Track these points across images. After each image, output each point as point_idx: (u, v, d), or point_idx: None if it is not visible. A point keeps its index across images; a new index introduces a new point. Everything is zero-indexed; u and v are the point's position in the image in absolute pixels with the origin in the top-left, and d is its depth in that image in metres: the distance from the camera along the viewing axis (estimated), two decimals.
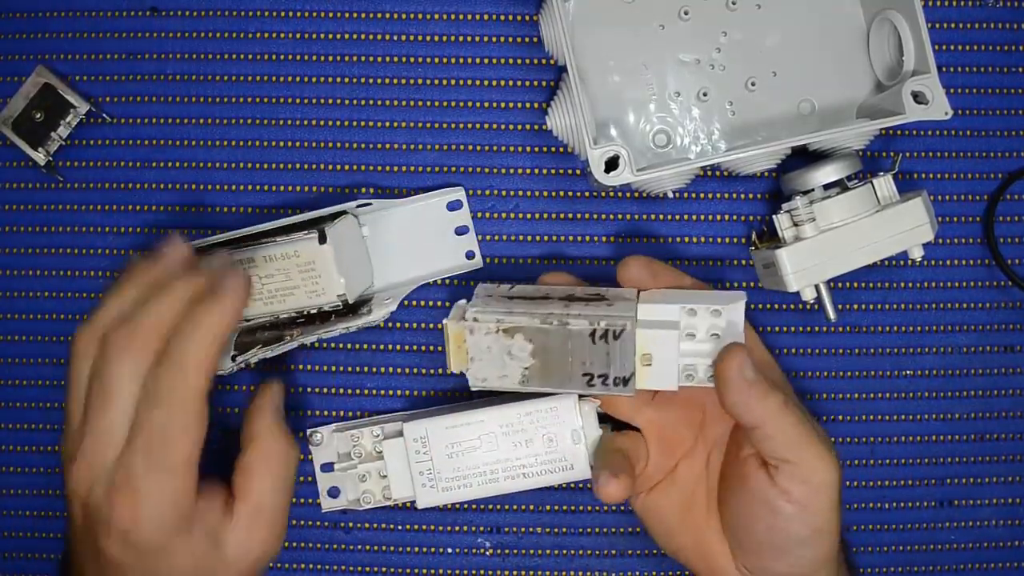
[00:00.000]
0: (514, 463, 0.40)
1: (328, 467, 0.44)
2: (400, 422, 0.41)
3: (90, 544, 0.35)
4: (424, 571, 0.45)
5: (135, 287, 0.36)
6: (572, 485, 0.44)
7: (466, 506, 0.44)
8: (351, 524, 0.45)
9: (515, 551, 0.45)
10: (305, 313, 0.42)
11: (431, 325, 0.45)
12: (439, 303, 0.45)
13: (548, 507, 0.45)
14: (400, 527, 0.45)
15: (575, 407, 0.40)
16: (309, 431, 0.44)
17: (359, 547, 0.45)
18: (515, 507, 0.45)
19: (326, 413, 0.45)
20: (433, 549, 0.45)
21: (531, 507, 0.45)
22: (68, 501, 0.36)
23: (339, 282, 0.40)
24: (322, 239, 0.40)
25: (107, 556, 0.35)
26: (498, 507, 0.45)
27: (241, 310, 0.35)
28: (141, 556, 0.34)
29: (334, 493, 0.44)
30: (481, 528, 0.45)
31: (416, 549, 0.45)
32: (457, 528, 0.45)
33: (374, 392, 0.45)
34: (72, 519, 0.36)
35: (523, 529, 0.45)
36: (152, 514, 0.34)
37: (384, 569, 0.45)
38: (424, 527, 0.45)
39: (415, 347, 0.45)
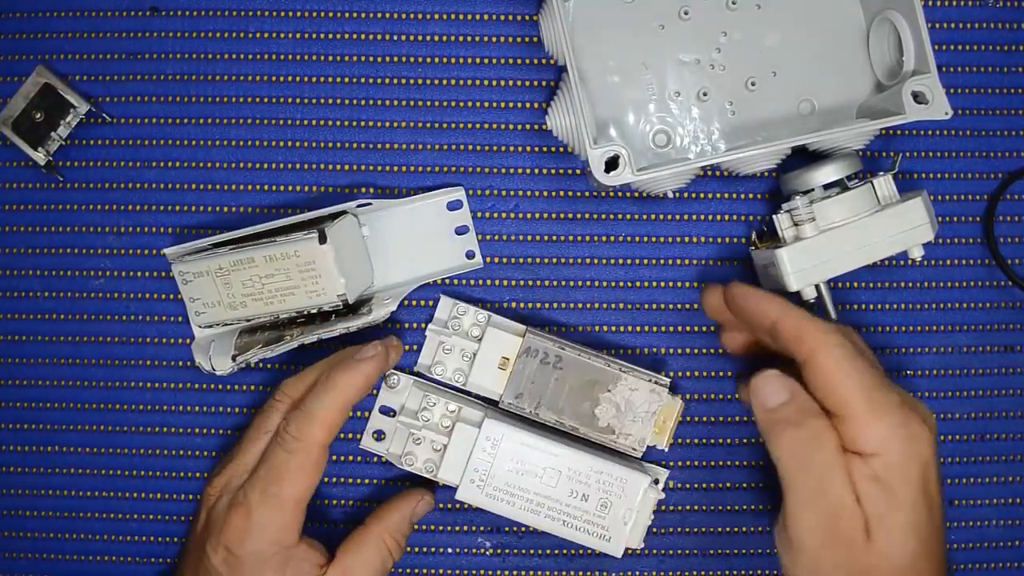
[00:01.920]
0: (562, 508, 0.41)
1: (386, 410, 0.44)
2: (482, 413, 0.42)
3: (199, 550, 0.39)
4: (424, 571, 0.45)
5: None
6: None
7: (466, 506, 0.44)
8: (351, 524, 0.45)
9: (515, 551, 0.45)
10: (305, 313, 0.42)
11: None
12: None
13: None
14: None
15: (643, 490, 0.41)
16: (388, 373, 0.44)
17: None
18: None
19: None
20: (433, 549, 0.45)
21: None
22: (197, 507, 0.41)
23: (339, 282, 0.40)
24: (322, 239, 0.40)
25: (208, 565, 0.38)
26: None
27: (375, 376, 0.40)
28: (234, 573, 0.38)
29: (379, 436, 0.44)
30: (481, 528, 0.45)
31: (416, 549, 0.45)
32: (457, 528, 0.45)
33: (374, 392, 0.45)
34: (194, 525, 0.41)
35: (523, 529, 0.45)
36: (256, 536, 0.38)
37: None
38: (424, 527, 0.45)
39: (415, 347, 0.45)
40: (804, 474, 0.35)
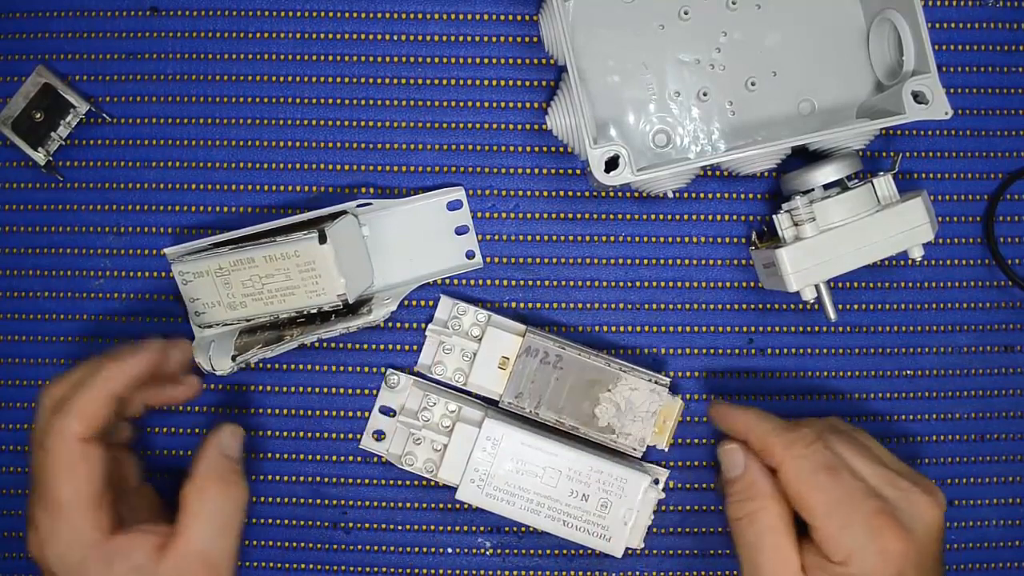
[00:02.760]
0: (562, 508, 0.41)
1: (386, 410, 0.44)
2: (482, 413, 0.42)
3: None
4: (424, 571, 0.45)
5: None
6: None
7: (466, 506, 0.44)
8: (351, 524, 0.45)
9: (515, 551, 0.45)
10: (305, 313, 0.42)
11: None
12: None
13: None
14: (400, 527, 0.45)
15: (643, 490, 0.41)
16: (388, 372, 0.44)
17: (359, 547, 0.45)
18: None
19: (326, 413, 0.45)
20: (433, 549, 0.45)
21: None
22: None
23: (339, 282, 0.40)
24: (322, 239, 0.40)
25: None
26: None
27: (146, 371, 0.37)
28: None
29: (379, 436, 0.44)
30: (481, 528, 0.45)
31: (416, 549, 0.45)
32: (457, 528, 0.45)
33: (375, 392, 0.45)
34: None
35: (523, 529, 0.45)
36: (52, 551, 0.35)
37: (384, 569, 0.45)
38: (424, 527, 0.45)
39: (415, 347, 0.45)
40: (739, 547, 0.38)
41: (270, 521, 0.45)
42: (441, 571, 0.45)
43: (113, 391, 0.36)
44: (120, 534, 0.36)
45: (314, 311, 0.41)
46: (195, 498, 0.37)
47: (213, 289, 0.42)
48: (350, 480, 0.45)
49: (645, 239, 0.45)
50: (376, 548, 0.45)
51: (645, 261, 0.45)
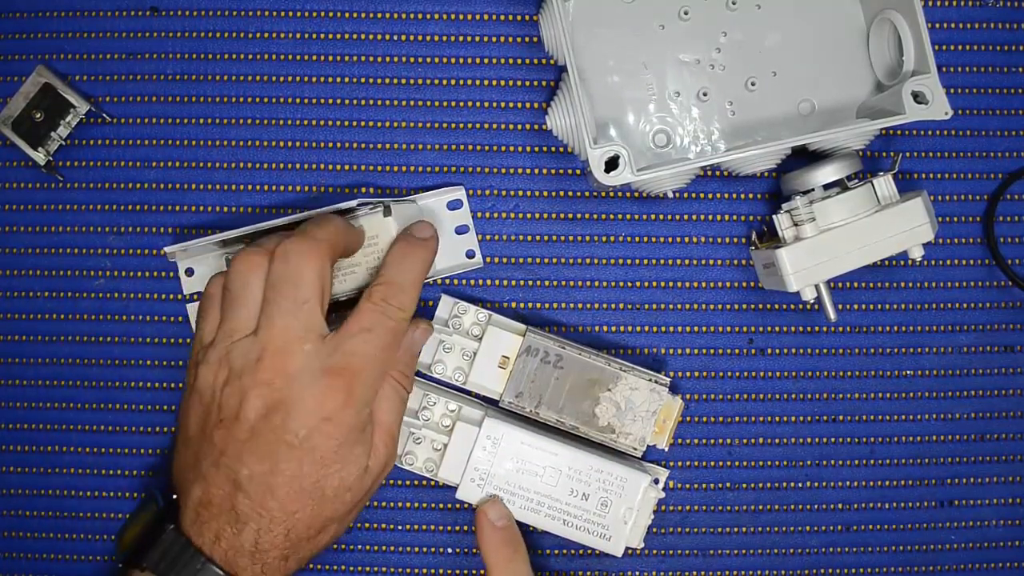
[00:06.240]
0: (562, 507, 0.41)
1: None
2: (482, 413, 0.42)
3: (210, 435, 0.37)
4: (424, 571, 0.45)
5: None
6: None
7: (467, 506, 0.44)
8: (351, 524, 0.45)
9: None
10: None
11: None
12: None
13: None
14: (400, 527, 0.45)
15: (643, 489, 0.41)
16: None
17: (359, 547, 0.45)
18: None
19: None
20: (433, 549, 0.45)
21: None
22: (187, 407, 0.38)
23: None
24: (387, 212, 0.40)
25: (239, 427, 0.36)
26: None
27: (348, 235, 0.39)
28: (286, 400, 0.36)
29: None
30: None
31: (416, 549, 0.45)
32: (457, 528, 0.45)
33: None
34: (186, 424, 0.38)
35: (523, 529, 0.45)
36: (295, 336, 0.37)
37: (384, 569, 0.45)
38: (424, 527, 0.45)
39: None
40: None
41: None
42: (441, 571, 0.45)
43: (344, 233, 0.39)
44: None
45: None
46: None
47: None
48: None
49: (645, 239, 0.45)
50: (376, 548, 0.45)
51: (645, 261, 0.45)
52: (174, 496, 0.39)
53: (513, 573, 0.41)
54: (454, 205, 0.45)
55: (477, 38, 0.45)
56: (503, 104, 0.45)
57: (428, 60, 0.45)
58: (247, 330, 0.37)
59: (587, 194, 0.45)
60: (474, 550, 0.45)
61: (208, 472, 0.37)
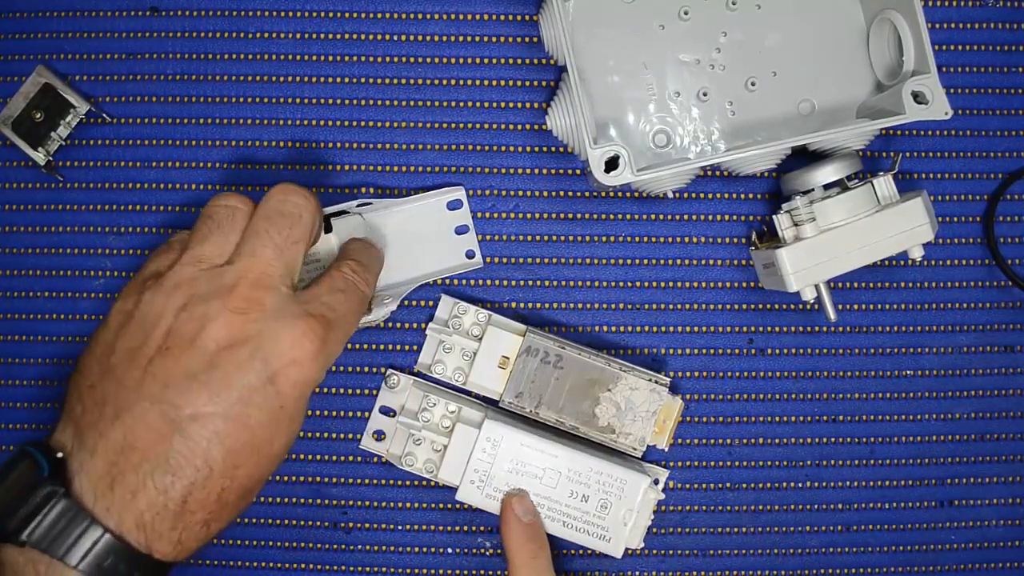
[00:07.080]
0: (562, 509, 0.41)
1: (386, 411, 0.44)
2: (482, 414, 0.42)
3: (144, 364, 0.32)
4: (424, 571, 0.45)
5: None
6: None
7: (466, 506, 0.44)
8: (351, 524, 0.45)
9: None
10: None
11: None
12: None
13: None
14: (400, 527, 0.45)
15: (642, 490, 0.41)
16: (388, 372, 0.44)
17: (359, 547, 0.45)
18: None
19: (326, 413, 0.45)
20: (433, 549, 0.45)
21: None
22: (106, 337, 0.34)
23: None
24: (327, 228, 0.40)
25: (193, 356, 0.32)
26: None
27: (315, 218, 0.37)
28: (259, 334, 0.32)
29: (379, 437, 0.44)
30: (481, 528, 0.45)
31: (416, 549, 0.45)
32: (457, 528, 0.45)
33: (375, 392, 0.45)
34: (103, 354, 0.33)
35: None
36: (276, 273, 0.34)
37: (384, 569, 0.45)
38: (424, 527, 0.45)
39: (415, 347, 0.45)
40: None
41: (270, 521, 0.45)
42: (441, 571, 0.45)
43: (317, 211, 0.37)
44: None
45: None
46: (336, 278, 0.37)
47: None
48: (350, 480, 0.45)
49: (645, 239, 0.45)
50: (376, 548, 0.45)
51: (645, 261, 0.45)
52: (59, 455, 0.32)
53: (536, 570, 0.40)
54: (454, 205, 0.45)
55: (477, 38, 0.45)
56: (503, 104, 0.45)
57: (428, 60, 0.45)
58: (219, 260, 0.34)
59: (587, 194, 0.45)
60: (474, 550, 0.45)
61: (137, 408, 0.31)
